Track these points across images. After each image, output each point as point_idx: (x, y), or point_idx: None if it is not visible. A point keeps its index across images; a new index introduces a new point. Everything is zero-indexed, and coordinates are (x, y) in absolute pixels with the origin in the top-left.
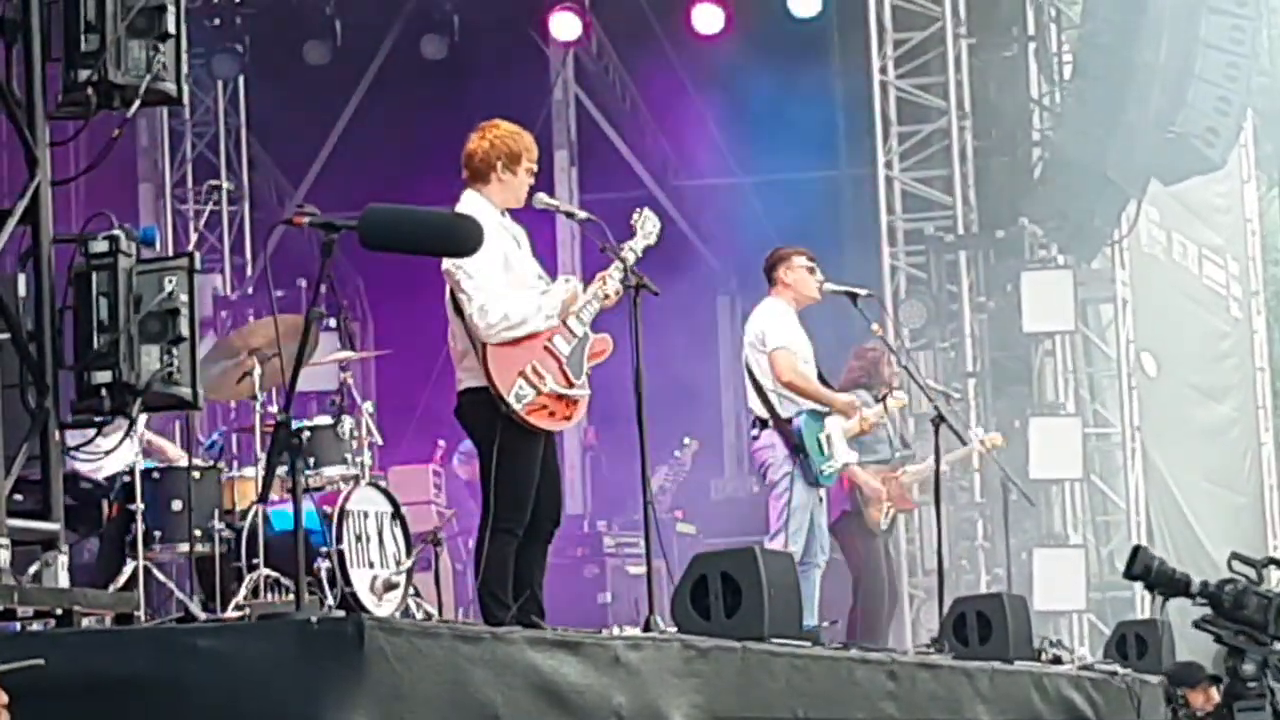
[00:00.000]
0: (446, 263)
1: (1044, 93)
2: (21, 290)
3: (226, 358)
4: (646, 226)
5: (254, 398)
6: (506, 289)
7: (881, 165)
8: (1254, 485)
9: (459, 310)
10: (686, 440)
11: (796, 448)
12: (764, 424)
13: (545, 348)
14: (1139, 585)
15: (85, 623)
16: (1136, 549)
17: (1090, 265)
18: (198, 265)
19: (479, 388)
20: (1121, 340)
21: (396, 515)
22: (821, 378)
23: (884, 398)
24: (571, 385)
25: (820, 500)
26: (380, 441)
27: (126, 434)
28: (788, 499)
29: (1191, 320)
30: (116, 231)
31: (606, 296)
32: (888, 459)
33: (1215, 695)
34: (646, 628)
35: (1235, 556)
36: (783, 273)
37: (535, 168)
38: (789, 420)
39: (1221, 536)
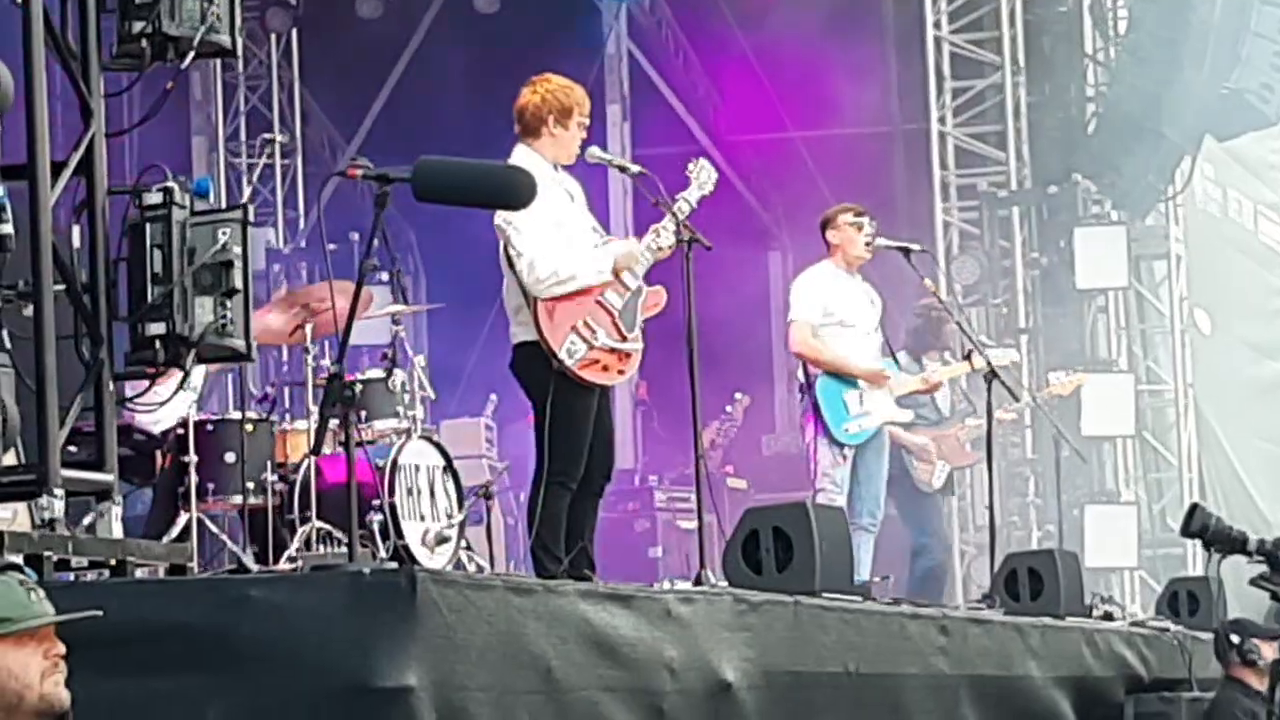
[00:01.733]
0: (498, 218)
1: (1098, 48)
2: (76, 242)
3: (281, 309)
4: (702, 176)
5: (306, 349)
6: (557, 244)
7: (935, 120)
8: None
9: (511, 265)
10: (738, 396)
11: (816, 408)
12: (801, 389)
13: (598, 302)
14: (1191, 542)
15: (139, 574)
16: (1193, 506)
17: (1144, 221)
18: (251, 217)
19: (532, 342)
20: (1175, 297)
21: (449, 469)
22: (886, 339)
23: (968, 355)
24: (625, 339)
25: (844, 459)
26: (432, 395)
27: (180, 386)
28: (816, 462)
29: (1246, 277)
30: (171, 183)
31: (660, 249)
32: (934, 420)
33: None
34: (698, 582)
35: None
36: (830, 234)
37: (587, 121)
38: (812, 383)
39: (1275, 494)
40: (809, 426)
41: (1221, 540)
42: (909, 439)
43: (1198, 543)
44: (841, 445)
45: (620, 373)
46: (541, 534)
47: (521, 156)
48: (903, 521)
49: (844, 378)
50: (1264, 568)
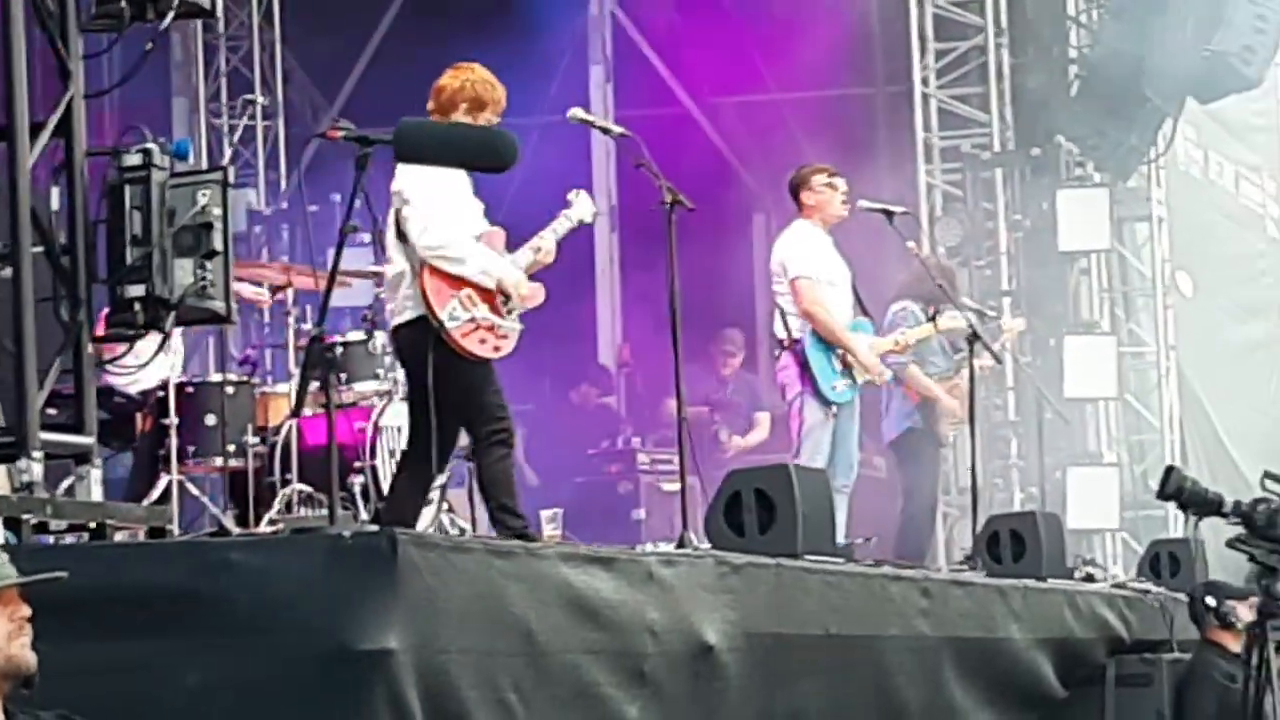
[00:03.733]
0: (396, 183)
1: (1081, 10)
2: (55, 204)
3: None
4: (580, 208)
5: (287, 312)
6: (453, 222)
7: (918, 82)
8: None
9: (401, 233)
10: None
11: (804, 366)
12: (782, 346)
13: (475, 285)
14: (1172, 504)
15: (118, 537)
16: (1169, 469)
17: (1126, 184)
18: (231, 179)
19: (412, 320)
20: (1157, 259)
21: None
22: (858, 298)
23: (934, 316)
24: (503, 317)
25: (834, 416)
26: None
27: (160, 348)
28: (800, 421)
29: (1228, 239)
30: (150, 145)
31: (540, 250)
32: (944, 370)
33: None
34: (680, 544)
35: (1268, 475)
36: (805, 196)
37: (496, 120)
38: (798, 340)
39: (1256, 456)
40: (792, 385)
41: (1198, 502)
42: (936, 390)
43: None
44: (830, 404)
45: (496, 349)
46: (496, 494)
47: None
48: (902, 478)
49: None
50: (1241, 529)
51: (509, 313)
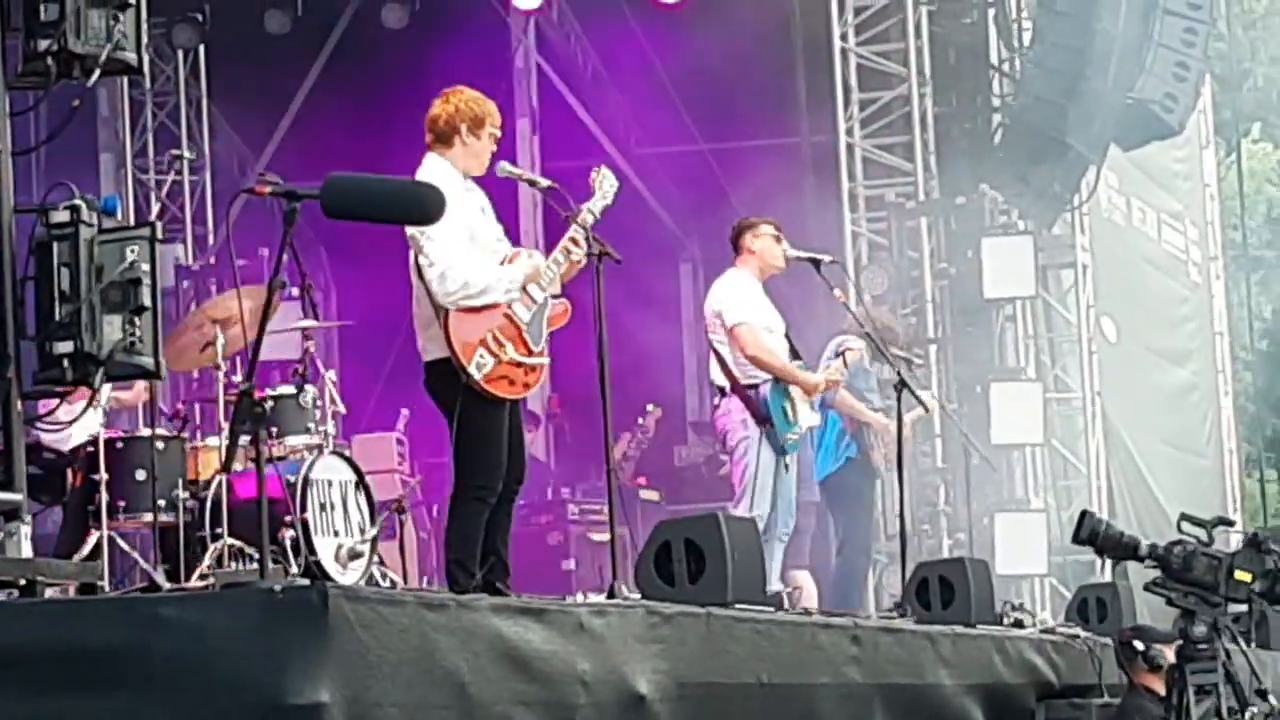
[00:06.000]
0: (411, 229)
1: (1004, 59)
2: None
3: (191, 330)
4: (604, 185)
5: (217, 366)
6: (469, 257)
7: (843, 132)
8: (1214, 449)
9: (421, 276)
10: (650, 407)
11: (763, 417)
12: (724, 392)
13: (505, 315)
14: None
15: (49, 593)
16: (1084, 514)
17: (1050, 231)
18: (159, 235)
19: (442, 359)
20: (1082, 305)
21: (360, 484)
22: (791, 345)
23: (842, 353)
24: (531, 353)
25: (786, 469)
26: (344, 410)
27: (89, 404)
28: (747, 463)
29: (1151, 285)
30: (78, 201)
31: (571, 255)
32: (878, 409)
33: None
34: (611, 595)
35: (1185, 517)
36: (749, 240)
37: (499, 133)
38: (753, 388)
39: (1182, 500)
40: (735, 431)
41: (1112, 546)
42: (871, 416)
43: None
44: (785, 452)
45: (526, 386)
46: (457, 549)
47: (432, 166)
48: (835, 521)
49: (780, 385)
50: (1159, 572)
51: (535, 345)
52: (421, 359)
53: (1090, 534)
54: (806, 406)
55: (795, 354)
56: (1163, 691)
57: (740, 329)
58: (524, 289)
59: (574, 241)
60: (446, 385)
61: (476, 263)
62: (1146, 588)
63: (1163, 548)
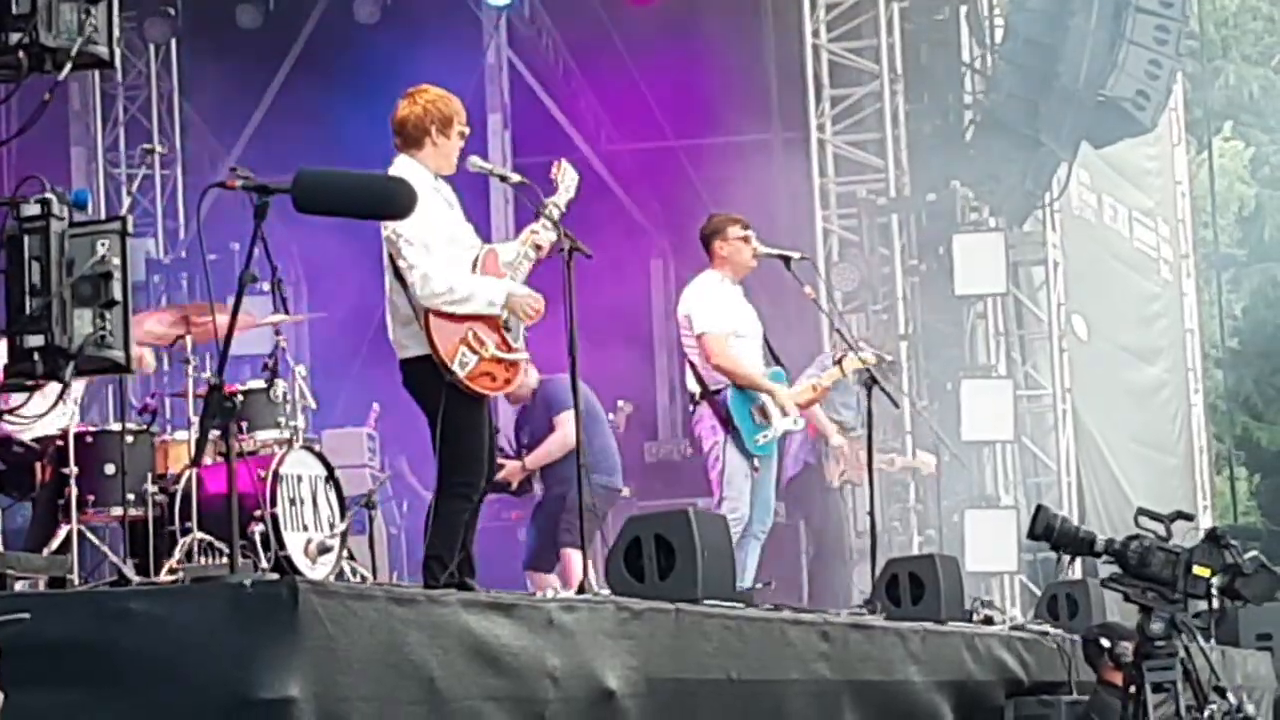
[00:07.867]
0: (387, 230)
1: (975, 56)
2: None
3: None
4: (565, 179)
5: (186, 360)
6: (454, 263)
7: (814, 129)
8: (1184, 446)
9: (400, 277)
10: (620, 403)
11: (725, 421)
12: (694, 399)
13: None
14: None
15: (18, 586)
16: (1038, 508)
17: (1021, 228)
18: (130, 229)
19: (421, 356)
20: (1052, 303)
21: (330, 478)
22: (772, 351)
23: (839, 360)
24: (511, 349)
25: (756, 470)
26: (314, 405)
27: (59, 398)
28: (720, 466)
29: (1122, 283)
30: (49, 195)
31: (539, 247)
32: (850, 423)
33: None
34: (580, 590)
35: (1142, 512)
36: (718, 246)
37: (467, 131)
38: (716, 393)
39: (1152, 498)
40: (709, 436)
41: (1068, 542)
42: (831, 428)
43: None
44: (753, 457)
45: (507, 382)
46: (436, 544)
47: (403, 167)
48: (805, 520)
49: (745, 390)
50: (1116, 568)
51: (515, 341)
52: (397, 356)
53: (1045, 529)
54: (781, 411)
55: (776, 359)
56: None
57: (706, 338)
58: (509, 314)
59: (536, 235)
60: (427, 383)
61: (460, 270)
62: (1104, 584)
63: (1119, 543)
